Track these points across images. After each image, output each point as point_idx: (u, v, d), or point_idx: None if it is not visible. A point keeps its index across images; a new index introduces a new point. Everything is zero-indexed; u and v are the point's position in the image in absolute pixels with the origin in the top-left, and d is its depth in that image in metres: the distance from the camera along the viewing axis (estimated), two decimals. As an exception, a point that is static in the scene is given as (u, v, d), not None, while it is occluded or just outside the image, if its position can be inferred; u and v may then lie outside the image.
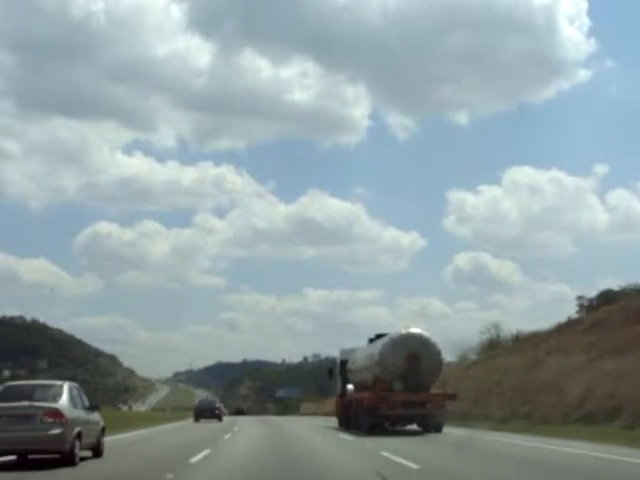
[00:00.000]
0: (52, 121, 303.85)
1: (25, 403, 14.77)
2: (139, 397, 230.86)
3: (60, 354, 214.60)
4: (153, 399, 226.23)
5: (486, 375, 42.75)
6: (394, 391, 28.04)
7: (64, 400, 15.31)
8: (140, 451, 20.24)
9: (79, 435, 15.34)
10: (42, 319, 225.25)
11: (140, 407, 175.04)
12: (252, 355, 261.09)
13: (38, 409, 14.66)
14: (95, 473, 14.60)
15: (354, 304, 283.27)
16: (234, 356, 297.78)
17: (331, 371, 39.67)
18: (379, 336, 31.95)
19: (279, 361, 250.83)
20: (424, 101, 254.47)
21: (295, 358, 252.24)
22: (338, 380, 36.96)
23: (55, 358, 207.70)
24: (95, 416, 17.26)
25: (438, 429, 28.07)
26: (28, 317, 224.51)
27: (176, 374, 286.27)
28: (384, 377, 28.41)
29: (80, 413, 15.94)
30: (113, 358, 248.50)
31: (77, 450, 15.22)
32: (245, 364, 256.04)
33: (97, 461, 16.47)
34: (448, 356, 41.90)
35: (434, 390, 29.22)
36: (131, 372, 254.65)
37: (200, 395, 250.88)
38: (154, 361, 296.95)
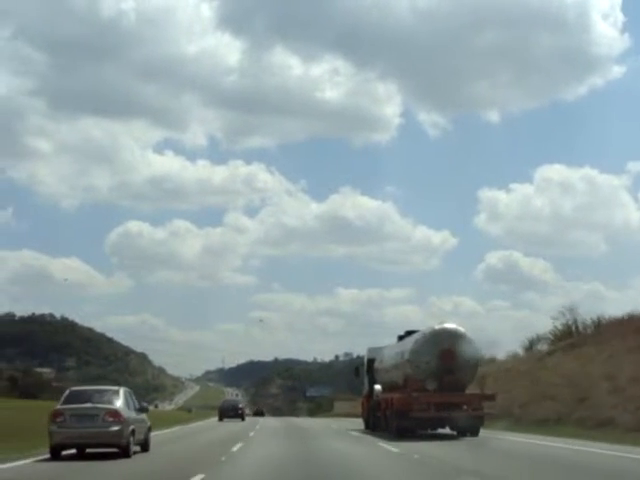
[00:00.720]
0: (83, 120, 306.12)
1: (89, 405, 17.31)
2: (168, 396, 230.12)
3: (89, 352, 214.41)
4: (182, 398, 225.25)
5: (547, 371, 37.24)
6: (427, 391, 25.80)
7: (121, 402, 17.76)
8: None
9: (133, 432, 17.75)
10: (72, 317, 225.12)
11: (167, 406, 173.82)
12: (283, 354, 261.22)
13: (100, 410, 17.15)
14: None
15: (385, 303, 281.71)
16: (265, 355, 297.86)
17: (358, 370, 37.83)
18: (409, 333, 29.82)
19: (310, 360, 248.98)
20: (455, 98, 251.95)
21: (326, 357, 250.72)
22: (365, 380, 35.09)
23: (84, 356, 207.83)
24: (144, 416, 19.67)
25: (474, 433, 25.91)
26: (57, 315, 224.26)
27: (207, 373, 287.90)
28: (416, 376, 26.19)
29: (133, 413, 18.36)
30: (143, 356, 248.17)
31: (132, 445, 17.65)
32: (276, 363, 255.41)
33: (146, 454, 18.72)
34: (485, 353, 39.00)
35: (470, 391, 26.97)
36: (161, 371, 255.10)
37: (230, 393, 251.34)
38: (185, 360, 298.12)
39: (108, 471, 15.04)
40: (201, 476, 13.13)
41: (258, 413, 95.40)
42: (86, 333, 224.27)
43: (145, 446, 19.41)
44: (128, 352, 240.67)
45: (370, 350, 35.22)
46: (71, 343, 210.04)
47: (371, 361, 33.86)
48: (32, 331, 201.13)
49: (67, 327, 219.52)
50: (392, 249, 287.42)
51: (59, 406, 17.50)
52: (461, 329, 26.67)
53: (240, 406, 53.51)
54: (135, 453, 18.04)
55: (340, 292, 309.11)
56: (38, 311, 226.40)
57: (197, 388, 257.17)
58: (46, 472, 14.84)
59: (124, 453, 17.25)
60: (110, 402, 17.61)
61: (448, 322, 27.17)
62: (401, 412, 26.05)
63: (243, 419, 49.72)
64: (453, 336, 26.14)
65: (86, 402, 17.45)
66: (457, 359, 25.84)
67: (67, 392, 18.51)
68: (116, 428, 17.02)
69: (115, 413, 17.23)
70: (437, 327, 26.61)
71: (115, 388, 19.09)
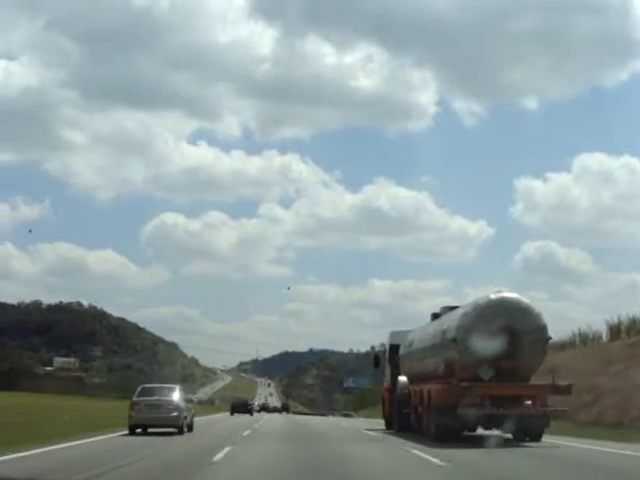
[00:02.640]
0: (116, 111, 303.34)
1: (156, 397, 23.45)
2: (198, 387, 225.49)
3: (116, 341, 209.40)
4: (211, 389, 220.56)
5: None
6: (481, 381, 19.45)
7: (177, 396, 23.71)
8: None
9: (185, 417, 23.51)
10: (107, 308, 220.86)
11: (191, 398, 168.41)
12: (318, 345, 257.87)
13: (163, 401, 23.18)
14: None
15: (420, 295, 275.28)
16: (300, 346, 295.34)
17: (377, 359, 32.12)
18: (450, 308, 23.65)
19: (346, 350, 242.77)
20: (492, 85, 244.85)
21: (362, 348, 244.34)
22: (387, 370, 29.47)
23: (110, 345, 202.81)
24: (190, 406, 25.49)
25: (536, 437, 19.93)
26: (85, 303, 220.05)
27: (241, 364, 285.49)
28: (464, 361, 19.82)
29: (185, 404, 24.08)
30: (173, 346, 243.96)
31: (184, 426, 23.32)
32: (311, 353, 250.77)
33: (191, 433, 23.79)
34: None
35: (535, 381, 20.66)
36: (192, 361, 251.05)
37: (262, 384, 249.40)
38: (220, 351, 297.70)
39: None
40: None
41: (284, 408, 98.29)
42: (114, 322, 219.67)
43: (191, 427, 24.72)
44: (157, 341, 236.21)
45: (393, 334, 29.47)
46: (98, 332, 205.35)
47: (394, 348, 28.34)
48: (58, 320, 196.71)
49: (95, 316, 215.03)
50: (428, 240, 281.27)
51: (135, 398, 23.48)
52: (525, 300, 20.26)
53: (249, 403, 60.79)
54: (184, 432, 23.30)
55: (375, 283, 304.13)
56: (62, 299, 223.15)
57: (229, 379, 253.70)
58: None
59: (179, 432, 22.83)
60: (170, 395, 23.60)
61: (507, 291, 20.70)
62: (443, 408, 19.88)
63: (251, 414, 55.04)
64: (515, 308, 19.77)
65: (154, 395, 23.66)
66: (520, 339, 19.47)
67: (140, 388, 24.81)
68: (175, 414, 22.92)
69: (174, 403, 23.16)
70: (494, 296, 20.18)
71: (173, 386, 25.70)
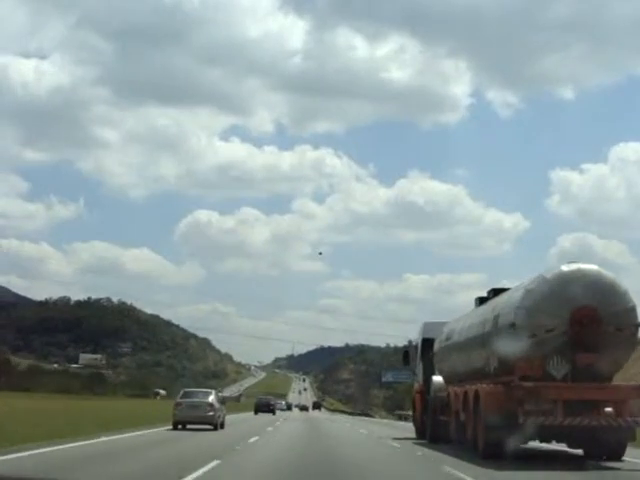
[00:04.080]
0: (148, 108, 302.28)
1: (196, 399, 27.71)
2: (229, 383, 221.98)
3: (145, 337, 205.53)
4: (240, 386, 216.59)
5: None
6: (552, 380, 14.61)
7: (213, 398, 27.96)
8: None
9: (219, 416, 27.72)
10: (130, 301, 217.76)
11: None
12: (354, 340, 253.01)
13: (202, 402, 27.29)
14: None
15: (455, 289, 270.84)
16: (336, 341, 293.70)
17: (407, 355, 27.89)
18: (498, 291, 18.80)
19: (383, 345, 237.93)
20: (527, 74, 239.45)
21: (399, 343, 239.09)
22: (419, 368, 25.31)
23: (140, 341, 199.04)
24: (223, 406, 30.04)
25: (617, 455, 15.27)
26: (115, 299, 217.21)
27: (276, 359, 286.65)
28: (528, 354, 14.95)
29: (219, 405, 28.35)
30: (205, 342, 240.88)
31: (219, 423, 27.50)
32: (347, 348, 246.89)
33: (224, 430, 27.42)
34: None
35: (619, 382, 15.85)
36: (226, 357, 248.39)
37: (297, 380, 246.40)
38: (255, 347, 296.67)
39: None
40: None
41: (315, 406, 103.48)
42: (143, 317, 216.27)
43: (222, 425, 28.20)
44: (188, 337, 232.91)
45: (427, 326, 25.23)
46: (127, 328, 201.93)
47: (428, 342, 24.18)
48: (86, 316, 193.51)
49: (124, 311, 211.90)
50: (462, 233, 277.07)
51: (179, 399, 27.86)
52: (608, 273, 15.32)
53: (272, 403, 63.25)
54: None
55: (410, 278, 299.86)
56: (91, 295, 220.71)
57: (263, 375, 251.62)
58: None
59: (214, 428, 26.76)
60: (207, 398, 27.77)
61: (582, 262, 15.74)
62: (497, 416, 15.13)
63: (274, 413, 57.72)
64: (595, 284, 14.88)
65: (194, 397, 27.98)
66: (602, 324, 14.59)
67: (182, 391, 29.51)
68: (211, 413, 26.94)
69: (210, 404, 27.24)
70: (566, 268, 15.22)
71: (209, 390, 30.13)
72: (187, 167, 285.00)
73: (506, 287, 18.60)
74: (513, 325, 15.27)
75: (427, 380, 23.28)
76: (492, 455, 14.95)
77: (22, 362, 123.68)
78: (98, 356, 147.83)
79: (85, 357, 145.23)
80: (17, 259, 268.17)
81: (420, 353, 25.35)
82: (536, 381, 14.58)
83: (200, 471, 12.00)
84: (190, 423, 26.77)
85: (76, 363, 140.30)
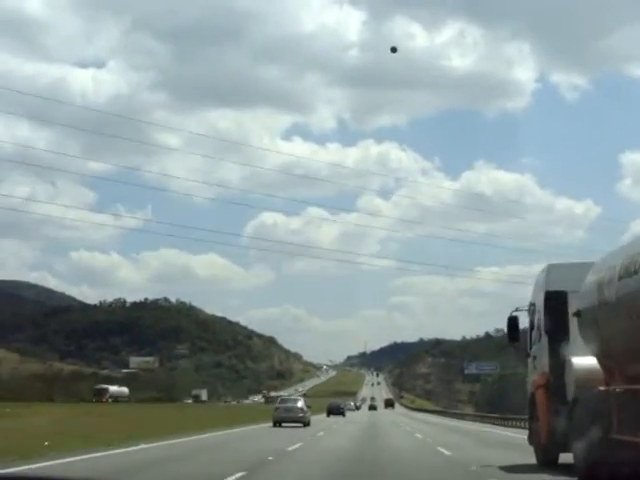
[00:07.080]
0: (207, 111, 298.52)
1: (290, 404, 38.53)
2: (296, 382, 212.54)
3: (204, 337, 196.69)
4: (305, 385, 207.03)
5: None
6: None
7: (302, 403, 38.71)
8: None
9: (307, 417, 37.85)
10: (189, 301, 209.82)
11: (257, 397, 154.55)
12: (427, 335, 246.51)
13: (294, 407, 37.71)
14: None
15: (528, 280, 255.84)
16: (409, 336, 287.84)
17: (514, 325, 17.16)
18: None
19: (459, 338, 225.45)
20: (594, 54, 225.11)
21: (477, 334, 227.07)
22: (540, 346, 15.57)
23: (198, 342, 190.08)
24: (309, 409, 39.73)
25: None
26: (173, 299, 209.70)
27: (349, 358, 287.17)
28: None
29: (306, 408, 38.25)
30: (270, 340, 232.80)
31: (306, 422, 37.16)
32: (422, 343, 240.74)
33: (310, 427, 36.18)
34: None
35: None
36: (293, 356, 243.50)
37: (370, 375, 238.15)
38: (327, 347, 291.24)
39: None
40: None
41: (388, 404, 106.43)
42: (202, 317, 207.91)
43: (309, 423, 37.88)
44: (251, 335, 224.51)
45: (553, 271, 15.35)
46: (185, 328, 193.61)
47: (557, 298, 14.61)
48: (141, 317, 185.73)
49: (182, 311, 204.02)
50: (532, 223, 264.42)
51: (278, 405, 38.93)
52: None
53: (341, 406, 69.47)
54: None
55: (480, 271, 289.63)
56: (148, 296, 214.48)
57: (333, 374, 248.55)
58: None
59: (304, 425, 36.20)
60: (298, 403, 38.55)
61: None
62: None
63: (344, 415, 64.64)
64: None
65: (288, 403, 39.05)
66: None
67: (279, 399, 43.77)
68: (301, 414, 36.82)
69: (301, 408, 37.32)
70: None
71: (299, 397, 46.70)
72: (251, 169, 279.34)
73: None
74: None
75: (557, 366, 13.91)
76: None
77: (65, 368, 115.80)
78: (150, 358, 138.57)
79: (136, 360, 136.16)
80: (87, 270, 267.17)
81: (544, 319, 14.57)
82: None
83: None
84: (285, 422, 36.51)
85: (127, 368, 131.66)
